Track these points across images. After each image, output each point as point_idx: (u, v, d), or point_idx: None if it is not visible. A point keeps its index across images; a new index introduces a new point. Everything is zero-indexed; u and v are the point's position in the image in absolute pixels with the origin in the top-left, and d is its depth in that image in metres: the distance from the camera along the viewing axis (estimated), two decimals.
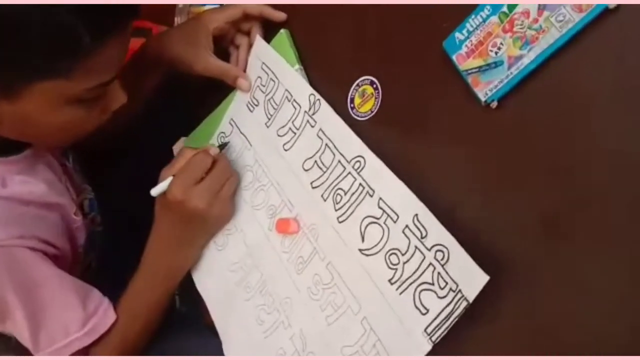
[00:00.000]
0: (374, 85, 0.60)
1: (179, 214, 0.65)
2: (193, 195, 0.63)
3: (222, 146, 0.70)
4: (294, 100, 0.66)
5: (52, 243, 0.67)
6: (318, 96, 0.63)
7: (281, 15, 0.70)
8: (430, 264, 0.49)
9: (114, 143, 0.86)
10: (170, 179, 0.64)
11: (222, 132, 0.77)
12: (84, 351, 0.68)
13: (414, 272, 0.50)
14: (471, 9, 0.51)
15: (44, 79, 0.54)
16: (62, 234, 0.70)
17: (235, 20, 0.71)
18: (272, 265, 0.65)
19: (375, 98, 0.60)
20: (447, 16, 0.53)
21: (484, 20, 0.49)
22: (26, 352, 0.69)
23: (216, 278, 0.71)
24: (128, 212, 0.93)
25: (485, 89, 0.49)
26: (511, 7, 0.47)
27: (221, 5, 0.78)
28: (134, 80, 0.81)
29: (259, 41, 0.72)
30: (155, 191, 0.65)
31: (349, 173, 0.58)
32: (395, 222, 0.52)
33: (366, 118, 0.60)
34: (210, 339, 0.72)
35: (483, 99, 0.49)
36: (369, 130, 0.59)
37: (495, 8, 0.48)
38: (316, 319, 0.58)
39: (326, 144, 0.61)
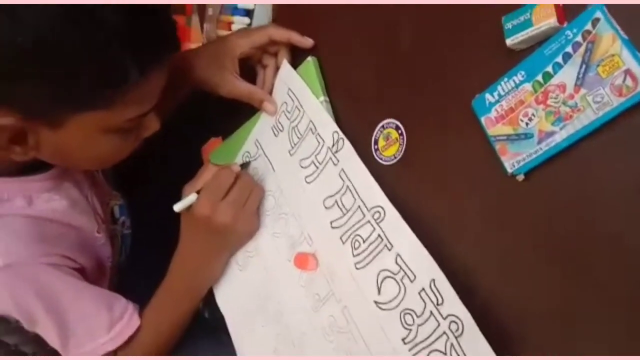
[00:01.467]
0: (399, 131, 0.58)
1: (205, 229, 0.66)
2: (220, 210, 0.64)
3: (245, 165, 0.71)
4: (318, 134, 0.65)
5: (73, 259, 0.69)
6: (341, 135, 0.62)
7: (308, 42, 0.68)
8: (444, 333, 0.49)
9: (142, 149, 0.87)
10: (193, 195, 0.65)
11: (247, 152, 0.76)
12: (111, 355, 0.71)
13: (428, 337, 0.50)
14: (504, 67, 0.48)
15: (87, 110, 0.55)
16: (83, 251, 0.72)
17: (262, 45, 0.70)
18: (289, 296, 0.66)
19: (400, 144, 0.58)
20: (480, 70, 0.51)
21: (517, 86, 0.47)
22: (26, 335, 0.73)
23: (236, 297, 0.72)
24: (156, 214, 0.95)
25: (513, 160, 0.47)
26: (546, 77, 0.45)
27: (248, 24, 0.76)
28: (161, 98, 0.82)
29: (285, 66, 0.70)
30: (178, 207, 0.66)
31: (368, 222, 0.57)
32: (412, 281, 0.52)
33: (389, 163, 0.59)
34: (230, 347, 0.74)
35: (509, 170, 0.47)
36: (391, 176, 0.58)
37: (530, 75, 0.46)
38: None
39: (347, 186, 0.60)
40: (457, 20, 0.53)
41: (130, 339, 0.70)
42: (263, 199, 0.70)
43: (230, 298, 0.73)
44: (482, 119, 0.49)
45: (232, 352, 0.73)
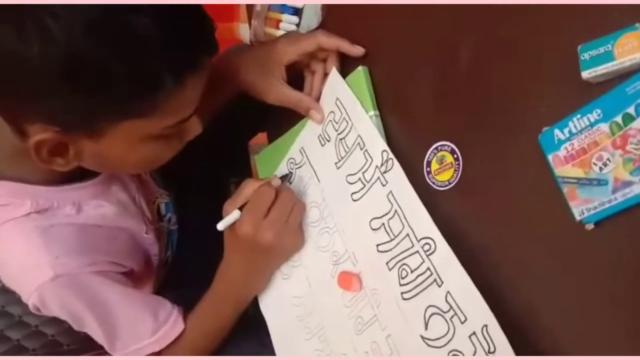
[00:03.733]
0: (455, 155, 0.55)
1: (249, 247, 0.65)
2: (263, 229, 0.63)
3: (284, 177, 0.69)
4: (366, 150, 0.62)
5: (121, 263, 0.70)
6: (391, 155, 0.58)
7: (359, 51, 0.64)
8: None
9: (187, 146, 0.87)
10: (236, 212, 0.64)
11: (292, 159, 0.74)
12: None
13: None
14: (577, 101, 0.43)
15: (123, 119, 0.54)
16: (132, 253, 0.73)
17: (310, 53, 0.67)
18: (332, 314, 0.65)
19: (455, 170, 0.54)
20: (549, 101, 0.46)
21: (591, 125, 0.42)
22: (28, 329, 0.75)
23: (279, 306, 0.72)
24: (201, 208, 0.96)
25: (582, 207, 0.43)
26: (627, 119, 0.40)
27: (297, 23, 0.73)
28: (204, 97, 0.80)
29: (334, 74, 0.67)
30: (221, 225, 0.65)
31: (417, 252, 0.54)
32: (462, 323, 0.49)
33: (443, 188, 0.56)
34: (272, 349, 0.74)
35: (578, 218, 0.43)
36: (444, 203, 0.55)
37: (607, 115, 0.41)
38: None
39: (396, 211, 0.57)
40: (527, 44, 0.48)
41: (175, 341, 0.71)
42: (306, 212, 0.68)
43: (273, 307, 0.73)
44: (550, 157, 0.45)
45: (273, 354, 0.73)
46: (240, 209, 0.64)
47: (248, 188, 0.65)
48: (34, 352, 0.96)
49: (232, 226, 0.64)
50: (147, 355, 0.70)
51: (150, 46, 0.49)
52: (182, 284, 0.91)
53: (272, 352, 0.73)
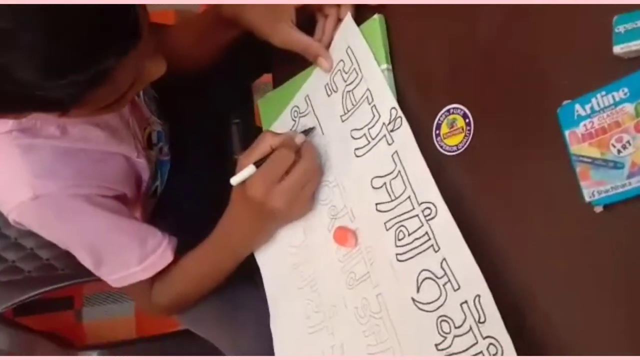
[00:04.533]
0: (467, 120, 0.52)
1: (256, 210, 0.63)
2: (274, 196, 0.60)
3: (307, 131, 0.66)
4: (374, 105, 0.59)
5: (111, 187, 0.69)
6: (400, 113, 0.56)
7: None
8: (481, 352, 0.46)
9: (188, 81, 0.84)
10: (250, 167, 0.61)
11: (296, 106, 0.72)
12: (146, 286, 0.73)
13: (463, 351, 0.48)
14: (604, 77, 0.41)
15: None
16: (122, 177, 0.72)
17: None
18: (325, 266, 0.64)
19: (465, 135, 0.52)
20: (574, 74, 0.44)
21: (615, 104, 0.40)
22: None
23: (275, 254, 0.71)
24: (196, 144, 0.94)
25: (593, 189, 0.41)
26: None
27: None
28: (209, 35, 0.77)
29: (348, 20, 0.63)
30: (235, 180, 0.62)
31: (417, 216, 0.53)
32: (455, 291, 0.49)
33: (450, 153, 0.54)
34: (261, 291, 0.75)
35: (587, 199, 0.42)
36: (451, 168, 0.53)
37: (635, 95, 0.39)
38: (358, 343, 0.59)
39: (399, 172, 0.56)
40: (555, 11, 0.45)
41: (163, 272, 0.71)
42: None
43: (269, 255, 0.72)
44: (567, 133, 0.43)
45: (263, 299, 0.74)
46: (255, 163, 0.61)
47: (265, 142, 0.61)
48: (29, 274, 0.97)
49: (242, 182, 0.61)
50: (136, 282, 0.71)
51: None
52: (171, 216, 0.91)
53: (263, 292, 0.74)
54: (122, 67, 0.48)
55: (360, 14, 0.63)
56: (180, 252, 0.73)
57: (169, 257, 0.71)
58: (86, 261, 0.69)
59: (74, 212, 0.65)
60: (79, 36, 0.44)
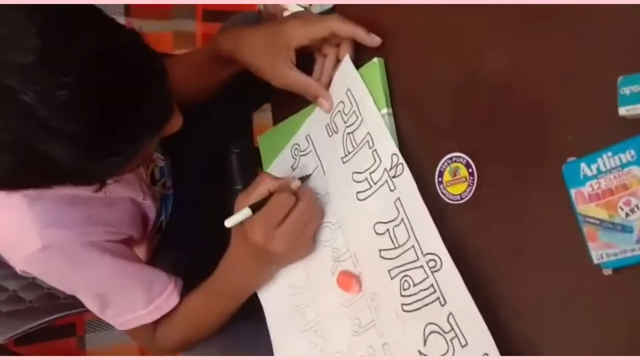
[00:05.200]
0: (470, 170, 0.52)
1: (257, 253, 0.62)
2: (275, 240, 0.60)
3: (304, 178, 0.65)
4: (375, 150, 0.59)
5: (118, 231, 0.69)
6: (401, 159, 0.55)
7: (375, 41, 0.59)
8: None
9: (187, 113, 0.83)
10: (246, 210, 0.60)
11: (297, 144, 0.71)
12: (151, 328, 0.73)
13: None
14: (609, 137, 0.40)
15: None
16: (130, 220, 0.72)
17: (322, 38, 0.62)
18: (330, 311, 0.64)
19: (469, 185, 0.52)
20: (579, 132, 0.43)
21: (622, 166, 0.39)
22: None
23: (277, 294, 0.70)
24: (197, 175, 0.94)
25: (602, 251, 0.40)
26: None
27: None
28: (208, 71, 0.76)
29: (347, 63, 0.62)
30: (230, 222, 0.61)
31: (422, 267, 0.53)
32: (462, 347, 0.48)
33: (454, 202, 0.53)
34: (266, 328, 0.74)
35: (596, 261, 0.41)
36: (455, 218, 0.53)
37: None
38: None
39: (402, 219, 0.55)
40: (564, 63, 0.44)
41: (167, 314, 0.71)
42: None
43: (271, 295, 0.71)
44: (572, 192, 0.42)
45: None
46: (252, 206, 0.60)
47: (262, 186, 0.61)
48: (30, 304, 0.97)
49: (242, 225, 0.61)
50: (141, 325, 0.70)
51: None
52: (175, 249, 0.90)
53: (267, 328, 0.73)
54: (155, 139, 0.51)
55: (360, 56, 0.62)
56: (184, 287, 0.73)
57: (175, 300, 0.71)
58: (92, 306, 0.69)
59: (82, 261, 0.65)
60: (122, 123, 0.46)
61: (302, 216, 0.60)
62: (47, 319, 1.03)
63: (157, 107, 0.49)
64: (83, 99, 0.43)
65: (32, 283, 0.95)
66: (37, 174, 0.48)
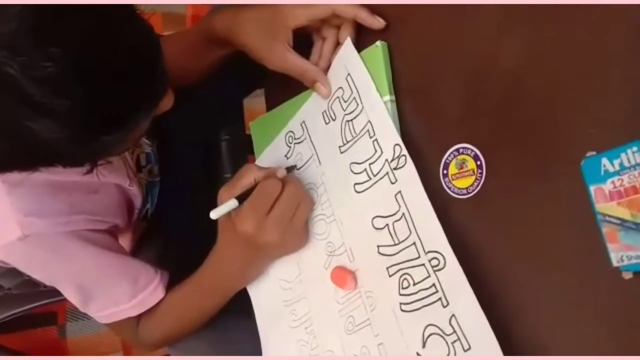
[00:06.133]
0: (478, 162, 0.48)
1: (248, 245, 0.59)
2: (265, 228, 0.57)
3: (290, 169, 0.62)
4: (376, 140, 0.55)
5: (103, 219, 0.66)
6: (405, 151, 0.52)
7: (379, 23, 0.56)
8: None
9: (176, 97, 0.80)
10: (233, 201, 0.57)
11: (291, 132, 0.67)
12: (134, 322, 0.70)
13: None
14: (635, 130, 0.37)
15: None
16: (114, 207, 0.69)
17: (322, 19, 0.58)
18: (322, 307, 0.60)
19: (477, 179, 0.48)
20: (601, 119, 0.40)
21: None
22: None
23: (267, 289, 0.67)
24: (185, 162, 0.90)
25: (622, 253, 0.37)
26: None
27: None
28: (200, 52, 0.72)
29: (348, 45, 0.59)
30: (215, 214, 0.57)
31: (423, 265, 0.49)
32: (465, 351, 0.45)
33: (460, 196, 0.50)
34: (254, 323, 0.71)
35: (615, 263, 0.38)
36: (460, 214, 0.49)
37: None
38: None
39: (403, 214, 0.52)
40: (586, 47, 0.41)
41: (153, 309, 0.68)
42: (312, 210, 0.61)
43: (261, 289, 0.68)
44: (592, 188, 0.39)
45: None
46: (238, 197, 0.57)
47: (247, 177, 0.58)
48: (9, 291, 0.93)
49: (229, 217, 0.57)
50: (124, 319, 0.68)
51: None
52: (161, 238, 0.87)
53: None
54: (149, 118, 0.48)
55: (362, 39, 0.58)
56: (170, 278, 0.70)
57: (160, 294, 0.68)
58: (74, 298, 0.65)
59: (64, 251, 0.62)
60: (114, 100, 0.43)
61: (290, 202, 0.57)
62: (26, 307, 1.01)
63: (152, 83, 0.45)
64: (72, 73, 0.39)
65: (11, 270, 0.91)
66: (24, 153, 0.44)
